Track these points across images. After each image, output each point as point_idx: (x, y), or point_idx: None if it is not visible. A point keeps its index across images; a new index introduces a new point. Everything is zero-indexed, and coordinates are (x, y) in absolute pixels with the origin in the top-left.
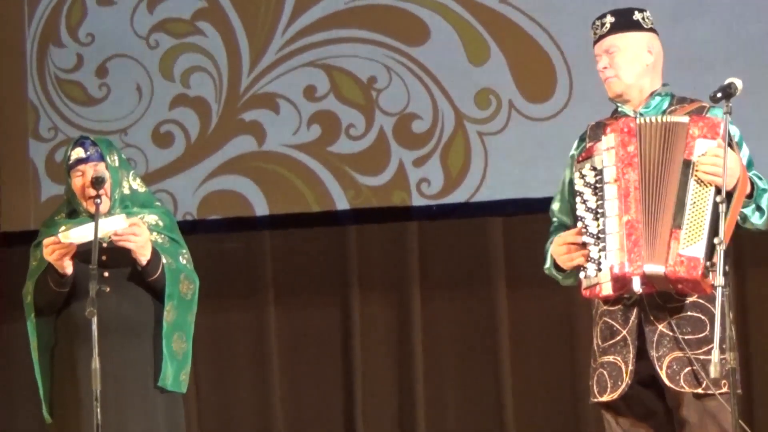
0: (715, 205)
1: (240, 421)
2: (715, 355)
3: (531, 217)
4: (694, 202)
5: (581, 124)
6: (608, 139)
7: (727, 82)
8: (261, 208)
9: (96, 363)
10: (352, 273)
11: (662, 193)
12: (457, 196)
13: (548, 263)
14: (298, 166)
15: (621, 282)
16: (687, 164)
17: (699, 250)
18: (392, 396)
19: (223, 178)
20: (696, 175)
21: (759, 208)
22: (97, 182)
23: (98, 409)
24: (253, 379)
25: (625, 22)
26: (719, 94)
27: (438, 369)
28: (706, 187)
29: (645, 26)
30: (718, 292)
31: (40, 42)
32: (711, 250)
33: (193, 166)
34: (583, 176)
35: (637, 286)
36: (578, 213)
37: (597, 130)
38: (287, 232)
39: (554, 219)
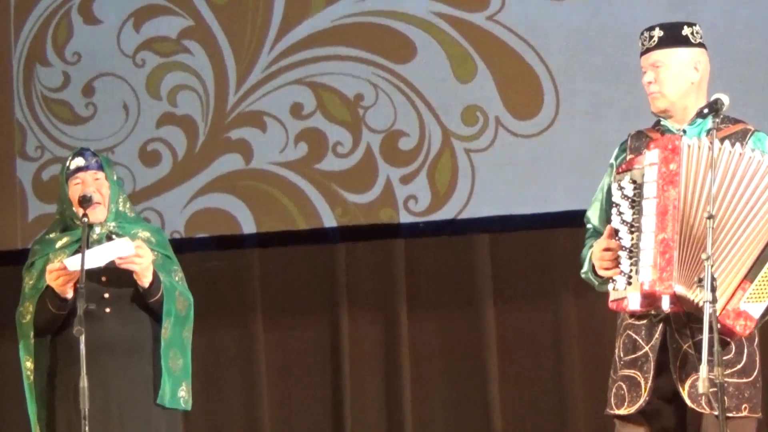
0: None
1: None
2: (703, 371)
3: (518, 234)
4: None
5: (568, 141)
6: (651, 155)
7: (713, 97)
8: (248, 226)
9: (84, 382)
10: (340, 290)
11: (736, 233)
12: (445, 213)
13: (586, 267)
14: (286, 183)
15: (650, 299)
16: None
17: (758, 310)
18: (380, 412)
19: (210, 197)
20: None
21: None
22: (85, 201)
23: (86, 428)
24: (242, 398)
25: (673, 36)
26: (706, 110)
27: (426, 386)
28: None
29: (693, 42)
30: (706, 308)
31: (27, 61)
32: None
33: (180, 184)
34: (621, 188)
35: (666, 305)
36: (613, 225)
37: (638, 142)
38: (275, 250)
39: (589, 225)
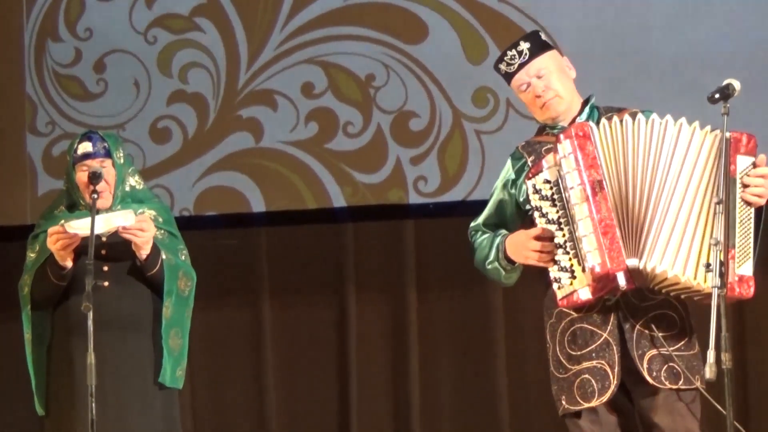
0: (757, 222)
1: (234, 418)
2: (710, 356)
3: None
4: (741, 221)
5: None
6: (564, 146)
7: (725, 83)
8: (258, 204)
9: (91, 358)
10: (348, 270)
11: (680, 198)
12: (454, 195)
13: (492, 257)
14: (296, 163)
15: (604, 281)
16: (733, 181)
17: (750, 269)
18: (387, 393)
19: (220, 175)
20: (742, 195)
21: None
22: (94, 177)
23: (93, 404)
24: (248, 377)
25: (540, 43)
26: (717, 95)
27: (433, 367)
28: (749, 203)
29: (552, 45)
30: (714, 293)
31: (39, 36)
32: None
33: (190, 162)
34: (537, 191)
35: (622, 281)
36: (540, 227)
37: (532, 148)
38: (284, 228)
39: (478, 232)
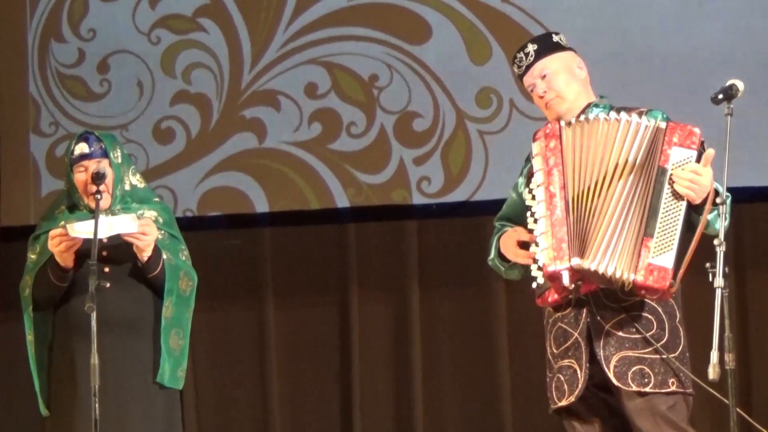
0: (687, 215)
1: (238, 418)
2: (713, 357)
3: None
4: (666, 212)
5: None
6: (534, 146)
7: (728, 83)
8: (261, 205)
9: (95, 359)
10: (352, 271)
11: (620, 193)
12: (458, 195)
13: (492, 254)
14: (299, 163)
15: (555, 280)
16: (662, 171)
17: (668, 260)
18: (390, 394)
19: (223, 175)
20: (672, 186)
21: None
22: (98, 177)
23: (96, 405)
24: (252, 377)
25: (548, 45)
26: (720, 96)
27: (436, 367)
28: (680, 196)
29: (565, 46)
30: (718, 293)
31: (42, 37)
32: (680, 259)
33: (193, 162)
34: (531, 191)
35: (566, 280)
36: (530, 227)
37: None
38: (287, 229)
39: (497, 224)
